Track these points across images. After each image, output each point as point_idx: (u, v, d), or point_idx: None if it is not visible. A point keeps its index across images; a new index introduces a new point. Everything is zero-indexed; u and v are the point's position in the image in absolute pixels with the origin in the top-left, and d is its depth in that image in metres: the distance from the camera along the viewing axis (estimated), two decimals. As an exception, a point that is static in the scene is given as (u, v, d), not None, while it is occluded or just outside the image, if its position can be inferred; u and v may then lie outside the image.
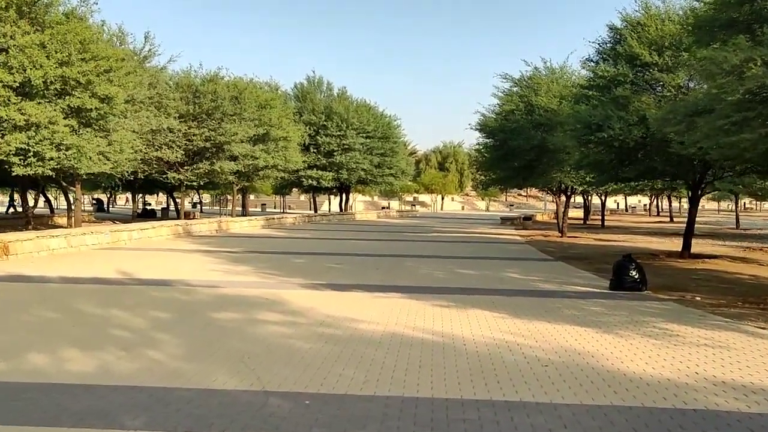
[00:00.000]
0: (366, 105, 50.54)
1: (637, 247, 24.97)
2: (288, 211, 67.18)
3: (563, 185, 30.51)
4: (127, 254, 18.98)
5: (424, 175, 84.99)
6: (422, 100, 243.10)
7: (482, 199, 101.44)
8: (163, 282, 13.16)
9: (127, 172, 24.91)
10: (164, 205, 55.59)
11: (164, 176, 32.29)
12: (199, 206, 69.96)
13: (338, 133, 47.13)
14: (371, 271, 15.69)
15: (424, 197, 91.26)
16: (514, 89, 30.90)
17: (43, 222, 31.81)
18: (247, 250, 21.30)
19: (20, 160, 16.11)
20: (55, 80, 16.07)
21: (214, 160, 32.62)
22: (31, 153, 16.04)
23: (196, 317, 9.41)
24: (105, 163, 19.18)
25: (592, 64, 21.63)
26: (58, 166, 16.99)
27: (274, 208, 75.84)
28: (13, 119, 15.22)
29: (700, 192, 20.61)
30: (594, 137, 18.42)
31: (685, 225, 21.86)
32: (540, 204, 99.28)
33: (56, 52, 16.03)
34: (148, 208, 53.64)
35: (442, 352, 7.45)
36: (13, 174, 16.71)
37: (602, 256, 21.00)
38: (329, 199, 64.88)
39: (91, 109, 17.28)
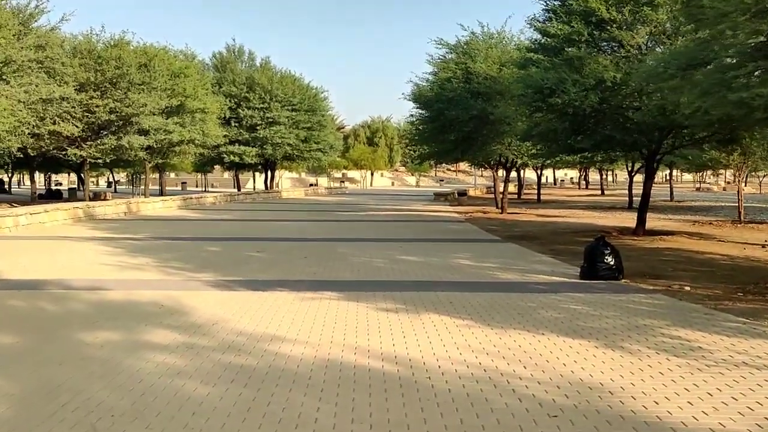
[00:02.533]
0: (291, 76, 47.49)
1: (585, 224, 23.44)
2: (210, 190, 63.52)
3: (504, 159, 28.71)
4: (4, 245, 15.88)
5: (352, 151, 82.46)
6: (350, 74, 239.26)
7: (412, 175, 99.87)
8: (32, 284, 10.38)
9: (14, 148, 21.45)
10: (74, 186, 51.16)
11: (64, 153, 28.66)
12: (113, 186, 65.38)
13: (261, 105, 44.02)
14: (298, 261, 13.27)
15: (353, 173, 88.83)
16: (450, 56, 28.78)
17: None
18: (154, 236, 18.46)
19: None
20: None
21: (122, 135, 29.18)
22: None
23: (54, 343, 6.80)
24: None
25: (539, 23, 19.61)
26: None
27: (196, 186, 71.86)
28: None
29: (656, 164, 19.06)
30: (546, 104, 16.49)
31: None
32: (470, 179, 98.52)
33: None
34: (55, 188, 49.11)
35: (400, 395, 5.17)
36: None
37: (552, 235, 19.28)
38: (254, 177, 61.52)
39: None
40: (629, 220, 25.16)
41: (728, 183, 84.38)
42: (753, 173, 23.29)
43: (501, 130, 25.30)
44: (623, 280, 10.79)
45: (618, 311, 8.35)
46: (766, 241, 17.56)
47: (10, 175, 51.85)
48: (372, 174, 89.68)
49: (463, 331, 7.29)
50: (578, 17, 16.71)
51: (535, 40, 20.25)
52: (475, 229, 22.07)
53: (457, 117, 25.24)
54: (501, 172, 31.46)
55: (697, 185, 75.62)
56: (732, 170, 25.98)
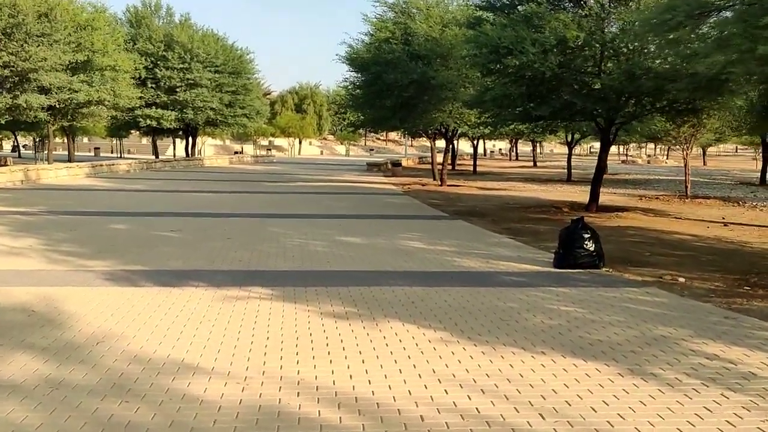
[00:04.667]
0: (214, 35, 44.18)
1: (531, 198, 22.13)
2: (125, 156, 59.48)
3: (445, 127, 27.00)
4: None
5: (280, 118, 79.13)
6: (276, 36, 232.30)
7: (342, 144, 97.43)
8: None
9: None
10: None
11: (-51, 112, 25.20)
12: (17, 151, 60.26)
13: (181, 65, 40.73)
14: (221, 243, 11.16)
15: (280, 141, 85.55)
16: (389, 15, 26.71)
17: None
18: (49, 209, 15.86)
19: None
20: None
21: (18, 93, 25.82)
22: None
23: None
24: None
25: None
26: None
27: (111, 153, 67.37)
28: None
29: (612, 135, 17.74)
30: (501, 65, 14.77)
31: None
32: (400, 149, 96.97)
33: None
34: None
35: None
36: None
37: (501, 211, 17.81)
38: (174, 143, 57.80)
39: None
40: (574, 194, 24.09)
41: (649, 156, 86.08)
42: (686, 147, 22.33)
43: (443, 96, 23.52)
44: (604, 269, 9.26)
45: (620, 314, 6.75)
46: (723, 218, 16.62)
47: None
48: (300, 142, 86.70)
49: (439, 349, 5.49)
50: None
51: (484, -3, 18.42)
52: (417, 203, 20.35)
53: (395, 81, 23.27)
54: (438, 142, 29.83)
55: (623, 158, 76.56)
56: (673, 143, 25.17)
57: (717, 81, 9.95)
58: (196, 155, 50.99)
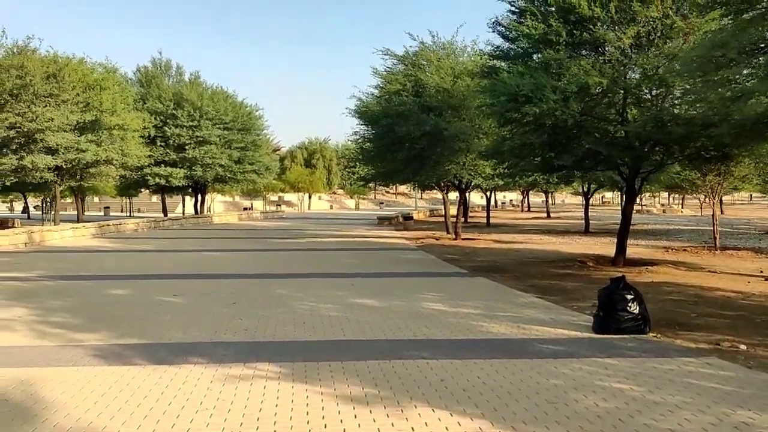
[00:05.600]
0: (223, 92, 44.20)
1: (551, 252, 21.17)
2: (135, 215, 59.15)
3: (458, 179, 26.28)
4: None
5: (289, 173, 79.07)
6: (286, 93, 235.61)
7: (351, 197, 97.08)
8: None
9: None
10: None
11: (-47, 175, 24.78)
12: (27, 212, 60.05)
13: (190, 123, 40.57)
14: (225, 309, 10.29)
15: (290, 196, 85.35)
16: (399, 67, 26.34)
17: None
18: (48, 274, 15.08)
19: None
20: None
21: (24, 154, 25.42)
22: None
23: None
24: None
25: (502, 28, 17.28)
26: None
27: (121, 211, 67.12)
28: None
29: (639, 184, 16.93)
30: (520, 114, 14.08)
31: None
32: (410, 201, 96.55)
33: None
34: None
35: None
36: None
37: (522, 266, 16.89)
38: (183, 201, 57.52)
39: None
40: (595, 246, 23.14)
41: (664, 205, 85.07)
42: (712, 196, 21.38)
43: (456, 147, 22.88)
44: (651, 334, 8.30)
45: (684, 393, 5.80)
46: (761, 271, 15.61)
47: None
48: (310, 197, 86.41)
49: (482, 447, 4.56)
50: (555, 15, 14.43)
51: (497, 47, 17.90)
52: (432, 258, 19.45)
53: (407, 133, 22.69)
54: (452, 195, 29.11)
55: (637, 207, 75.58)
56: (696, 192, 24.29)
57: (763, 124, 9.15)
58: (205, 212, 50.53)
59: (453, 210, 30.54)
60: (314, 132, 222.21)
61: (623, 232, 16.77)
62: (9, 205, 77.61)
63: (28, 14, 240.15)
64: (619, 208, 52.61)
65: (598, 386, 6.03)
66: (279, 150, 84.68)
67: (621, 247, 16.77)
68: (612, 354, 7.30)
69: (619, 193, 46.16)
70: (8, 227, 35.06)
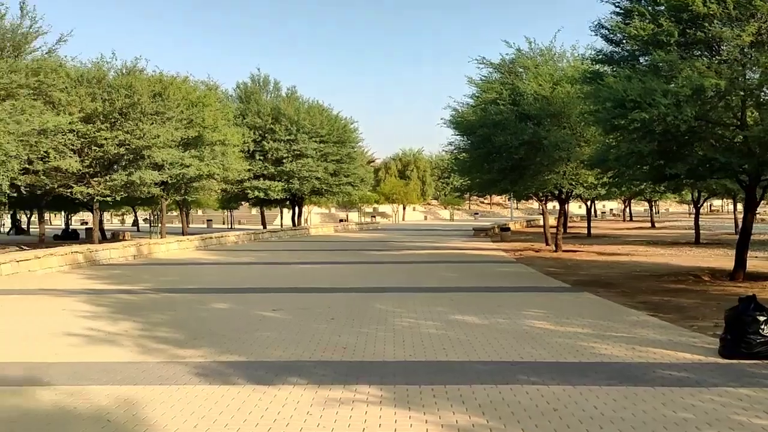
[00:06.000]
0: (319, 106, 44.95)
1: (660, 264, 19.99)
2: (236, 227, 61.05)
3: (558, 189, 25.39)
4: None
5: (383, 184, 79.55)
6: (379, 104, 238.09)
7: (445, 208, 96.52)
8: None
9: (4, 185, 18.82)
10: (90, 225, 48.87)
11: (70, 190, 26.14)
12: (137, 225, 63.25)
13: (288, 137, 41.44)
14: (324, 325, 10.14)
15: (384, 208, 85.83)
16: (495, 75, 25.80)
17: None
18: (154, 287, 15.52)
19: None
20: None
21: (132, 170, 26.60)
22: None
23: None
24: None
25: (605, 31, 16.45)
26: None
27: (223, 224, 69.50)
28: None
29: (761, 193, 15.67)
30: (628, 120, 13.27)
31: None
32: (505, 212, 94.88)
33: None
34: (72, 229, 46.90)
35: None
36: None
37: (629, 280, 15.98)
38: (281, 213, 58.88)
39: None
40: (709, 258, 21.73)
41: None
42: None
43: (556, 156, 22.08)
44: (788, 360, 7.46)
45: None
46: None
47: (28, 214, 49.91)
48: (404, 208, 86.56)
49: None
50: (665, 14, 13.56)
51: (600, 51, 17.07)
52: (532, 272, 18.75)
53: (505, 143, 22.10)
54: (552, 205, 28.15)
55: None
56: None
57: None
58: (302, 224, 51.45)
59: (551, 220, 29.56)
60: (408, 143, 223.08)
61: (743, 244, 15.54)
62: (121, 218, 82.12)
63: (137, 37, 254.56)
64: (731, 216, 49.80)
65: (735, 422, 5.38)
66: (373, 162, 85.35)
67: (740, 261, 15.55)
68: (746, 383, 6.57)
69: (731, 201, 43.51)
70: (120, 240, 36.93)
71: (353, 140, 46.99)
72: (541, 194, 28.32)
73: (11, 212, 49.34)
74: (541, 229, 32.12)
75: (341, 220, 67.80)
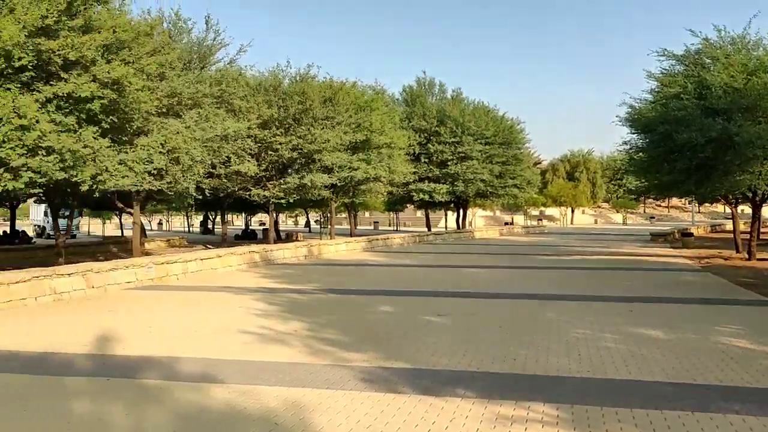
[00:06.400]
0: (484, 108, 44.25)
1: None
2: (401, 229, 61.96)
3: (753, 191, 22.89)
4: (155, 297, 14.08)
5: (551, 187, 77.02)
6: (546, 105, 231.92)
7: (617, 212, 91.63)
8: (131, 365, 7.84)
9: (191, 189, 20.25)
10: (266, 226, 51.78)
11: (248, 193, 27.71)
12: (308, 226, 66.25)
13: (453, 139, 41.18)
14: (491, 333, 9.67)
15: (551, 211, 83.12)
16: (677, 68, 23.76)
17: (103, 249, 28.21)
18: (323, 287, 15.85)
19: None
20: (25, 53, 11.38)
21: (304, 173, 27.65)
22: (-8, 160, 11.39)
23: None
24: (125, 176, 14.38)
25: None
26: (44, 179, 12.28)
27: (388, 226, 70.88)
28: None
29: None
30: None
31: None
32: (685, 215, 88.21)
33: (25, 13, 11.31)
34: (250, 229, 49.99)
35: None
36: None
37: None
38: (446, 215, 58.86)
39: (91, 98, 12.51)
40: None
41: None
42: None
43: (750, 155, 19.82)
44: None
45: None
46: None
47: (213, 216, 53.91)
48: (572, 211, 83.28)
49: None
50: None
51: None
52: (722, 282, 16.93)
53: (689, 141, 20.20)
54: (742, 208, 25.42)
55: None
56: None
57: None
58: (467, 227, 51.01)
59: (742, 225, 26.73)
60: (577, 144, 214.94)
61: None
62: (294, 219, 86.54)
63: (310, 45, 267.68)
64: None
65: None
66: (540, 163, 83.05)
67: None
68: None
69: None
70: (293, 240, 38.72)
71: (519, 141, 45.79)
72: (731, 197, 25.71)
73: (204, 213, 53.55)
74: (729, 235, 29.25)
75: (506, 223, 66.52)
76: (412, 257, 26.26)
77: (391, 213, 67.61)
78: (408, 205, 53.76)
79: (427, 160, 41.72)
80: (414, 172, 38.04)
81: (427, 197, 42.16)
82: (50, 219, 22.28)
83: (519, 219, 75.59)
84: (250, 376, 7.21)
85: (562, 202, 76.18)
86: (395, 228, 64.64)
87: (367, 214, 78.45)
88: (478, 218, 72.20)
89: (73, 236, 42.70)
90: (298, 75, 28.88)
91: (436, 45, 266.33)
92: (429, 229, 48.71)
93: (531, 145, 75.96)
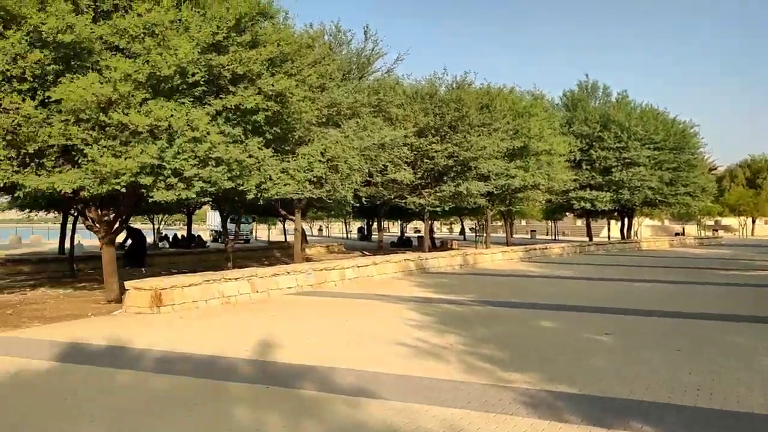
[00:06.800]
0: (652, 111, 41.49)
1: None
2: (560, 238, 59.79)
3: None
4: (314, 303, 14.35)
5: (728, 194, 70.88)
6: (723, 105, 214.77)
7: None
8: (292, 372, 7.87)
9: (349, 196, 20.64)
10: (421, 233, 52.01)
11: (404, 201, 27.87)
12: (463, 234, 65.86)
13: (617, 145, 39.00)
14: (664, 356, 8.73)
15: (729, 220, 76.43)
16: None
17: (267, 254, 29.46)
18: (479, 298, 15.38)
19: (155, 180, 12.23)
20: (198, 69, 11.99)
21: (460, 181, 27.33)
22: (168, 170, 12.09)
23: None
24: (287, 184, 14.80)
25: None
26: (213, 188, 12.89)
27: (546, 234, 68.72)
28: (135, 125, 11.31)
29: None
30: None
31: None
32: None
33: (198, 31, 11.93)
34: (406, 237, 50.47)
35: None
36: (151, 200, 13.00)
37: None
38: (608, 224, 55.97)
39: (256, 110, 12.98)
40: None
41: None
42: None
43: None
44: None
45: None
46: None
47: (368, 223, 55.07)
48: (753, 221, 76.12)
49: None
50: None
51: None
52: None
53: None
54: None
55: None
56: None
57: None
58: (632, 237, 48.15)
59: None
60: (759, 148, 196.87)
61: None
62: (449, 227, 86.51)
63: (466, 52, 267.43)
64: None
65: None
66: (715, 169, 76.74)
67: None
68: None
69: None
70: (447, 248, 38.54)
71: (693, 146, 42.45)
72: None
73: (365, 221, 54.98)
74: None
75: (677, 234, 62.03)
76: (572, 268, 25.03)
77: (549, 221, 65.48)
78: (567, 214, 51.76)
79: (588, 167, 39.88)
80: (575, 180, 36.47)
81: (588, 205, 40.27)
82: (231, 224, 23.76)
83: (691, 229, 70.26)
84: (407, 393, 6.95)
85: (742, 211, 69.86)
86: (554, 237, 62.51)
87: (523, 222, 76.62)
88: (645, 228, 68.00)
89: (247, 241, 45.46)
90: (455, 82, 28.69)
91: (598, 47, 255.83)
92: (590, 239, 46.52)
93: (706, 149, 70.64)
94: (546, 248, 33.31)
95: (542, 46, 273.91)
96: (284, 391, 7.05)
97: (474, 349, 9.29)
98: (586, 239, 46.60)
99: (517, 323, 11.78)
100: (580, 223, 66.11)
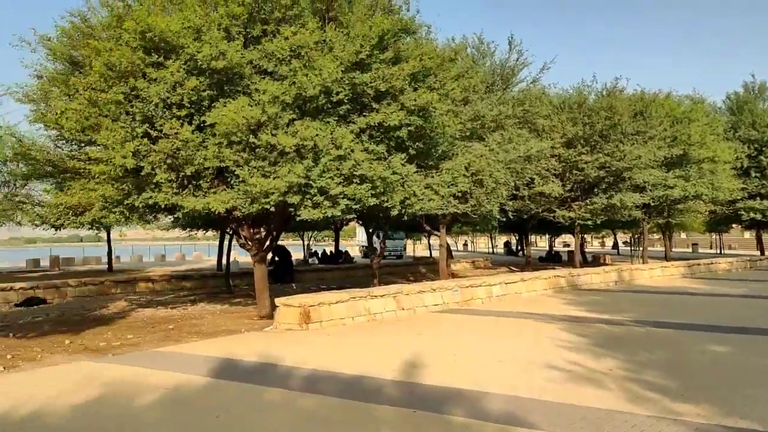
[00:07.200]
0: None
1: None
2: (725, 252, 55.19)
3: None
4: (460, 321, 13.97)
5: None
6: None
7: None
8: (439, 396, 7.57)
9: (492, 211, 20.11)
10: (571, 248, 49.96)
11: (553, 214, 26.80)
12: (617, 248, 62.59)
13: (793, 148, 35.41)
14: None
15: None
16: None
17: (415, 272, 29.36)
18: (637, 318, 14.29)
19: (302, 198, 12.41)
20: (342, 88, 12.07)
21: (612, 193, 25.86)
22: (314, 189, 12.24)
23: None
24: (431, 199, 14.57)
25: None
26: (358, 206, 12.89)
27: (710, 248, 63.73)
28: (282, 145, 11.57)
29: None
30: None
31: None
32: None
33: (342, 50, 12.02)
34: (555, 251, 48.71)
35: None
36: (299, 218, 13.22)
37: None
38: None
39: (399, 125, 12.87)
40: None
41: None
42: None
43: None
44: None
45: None
46: None
47: (518, 238, 53.76)
48: None
49: None
50: None
51: None
52: None
53: None
54: None
55: None
56: None
57: None
58: (812, 251, 43.32)
59: None
60: None
61: None
62: (600, 240, 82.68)
63: (618, 58, 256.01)
64: None
65: None
66: None
67: None
68: None
69: None
70: (600, 263, 36.69)
71: None
72: None
73: (512, 235, 53.76)
74: None
75: None
76: (742, 286, 22.80)
77: (713, 234, 60.65)
78: (734, 225, 47.62)
79: (758, 175, 36.45)
80: (743, 189, 33.46)
81: (759, 216, 36.74)
82: (376, 239, 24.05)
83: None
84: (562, 423, 6.44)
85: None
86: (719, 251, 57.81)
87: (683, 235, 71.56)
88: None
89: (400, 257, 45.74)
90: (605, 89, 27.28)
91: (763, 45, 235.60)
92: (762, 253, 42.48)
93: None
94: (711, 263, 30.71)
95: (700, 49, 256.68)
96: (431, 417, 6.77)
97: (636, 375, 8.53)
98: (757, 253, 42.58)
99: (683, 347, 10.75)
100: (748, 235, 60.67)
